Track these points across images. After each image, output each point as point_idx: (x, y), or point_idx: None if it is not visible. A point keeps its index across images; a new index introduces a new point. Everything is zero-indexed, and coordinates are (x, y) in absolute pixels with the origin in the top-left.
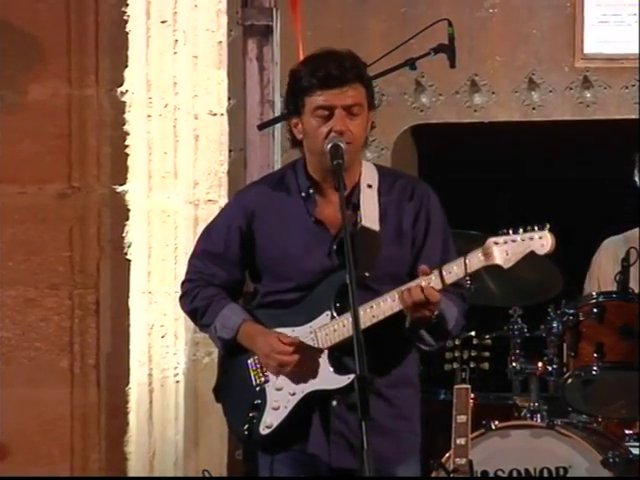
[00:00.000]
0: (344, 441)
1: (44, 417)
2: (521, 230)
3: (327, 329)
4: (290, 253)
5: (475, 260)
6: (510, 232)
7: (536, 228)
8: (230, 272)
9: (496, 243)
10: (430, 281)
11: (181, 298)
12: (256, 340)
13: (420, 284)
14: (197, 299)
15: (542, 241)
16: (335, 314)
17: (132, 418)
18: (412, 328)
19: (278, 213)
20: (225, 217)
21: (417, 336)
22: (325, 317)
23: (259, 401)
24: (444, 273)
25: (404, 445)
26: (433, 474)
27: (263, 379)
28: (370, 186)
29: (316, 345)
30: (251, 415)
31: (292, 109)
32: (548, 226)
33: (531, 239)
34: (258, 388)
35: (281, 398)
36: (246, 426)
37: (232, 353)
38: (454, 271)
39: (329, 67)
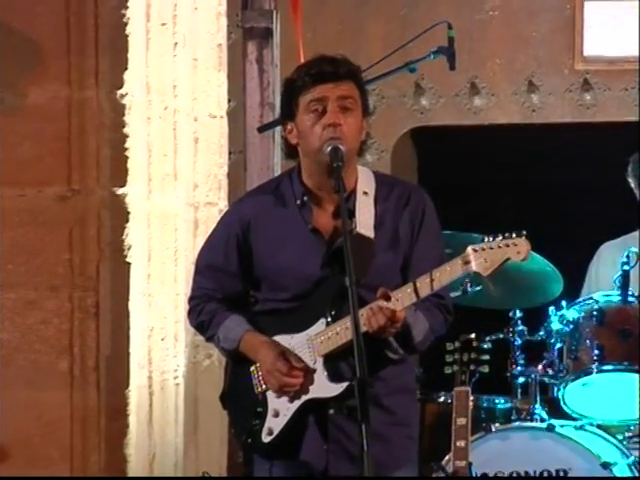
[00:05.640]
0: (342, 449)
1: (44, 419)
2: (500, 237)
3: (322, 336)
4: (287, 264)
5: (456, 267)
6: (491, 239)
7: (513, 235)
8: (232, 285)
9: (475, 250)
10: (407, 293)
11: (189, 314)
12: (259, 352)
13: (378, 305)
14: (202, 314)
15: (518, 248)
16: (330, 321)
17: (132, 420)
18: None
19: (274, 223)
20: (223, 228)
21: (385, 343)
22: (321, 324)
23: (261, 409)
24: (424, 281)
25: (400, 451)
26: (433, 476)
27: (265, 387)
28: (366, 193)
29: (312, 352)
30: (254, 423)
31: (287, 113)
32: (524, 233)
33: (507, 246)
34: (261, 396)
35: (281, 405)
36: (250, 434)
37: (237, 361)
38: (437, 278)
39: (323, 66)
